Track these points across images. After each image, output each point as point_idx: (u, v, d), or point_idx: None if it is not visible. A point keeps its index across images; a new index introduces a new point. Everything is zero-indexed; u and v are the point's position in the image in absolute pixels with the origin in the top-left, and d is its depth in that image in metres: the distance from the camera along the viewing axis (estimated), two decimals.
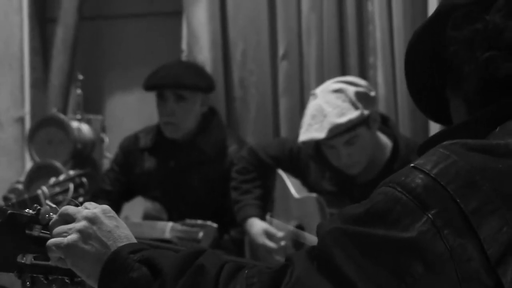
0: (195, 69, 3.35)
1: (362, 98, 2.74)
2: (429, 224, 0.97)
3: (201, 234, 3.02)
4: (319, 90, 2.81)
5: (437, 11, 1.17)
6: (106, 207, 1.25)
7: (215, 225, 3.03)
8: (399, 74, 3.19)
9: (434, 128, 3.05)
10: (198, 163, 3.21)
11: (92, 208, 1.24)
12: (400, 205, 0.99)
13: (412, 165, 1.02)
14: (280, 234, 2.93)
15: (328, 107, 2.72)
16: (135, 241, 1.22)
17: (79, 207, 1.26)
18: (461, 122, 1.12)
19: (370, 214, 1.00)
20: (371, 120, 2.78)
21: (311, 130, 2.75)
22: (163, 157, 3.26)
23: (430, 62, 1.18)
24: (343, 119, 2.69)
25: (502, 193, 0.99)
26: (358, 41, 3.30)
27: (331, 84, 2.81)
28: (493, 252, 0.96)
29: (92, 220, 1.22)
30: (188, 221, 3.06)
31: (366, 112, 2.73)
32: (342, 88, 2.75)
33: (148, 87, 3.23)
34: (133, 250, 1.18)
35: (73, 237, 1.22)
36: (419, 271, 0.96)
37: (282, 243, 2.92)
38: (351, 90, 2.74)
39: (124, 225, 1.24)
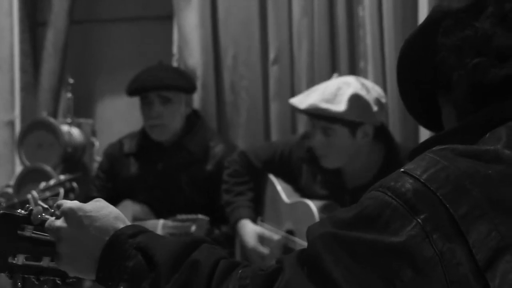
0: (176, 70, 3.39)
1: (358, 105, 2.71)
2: (418, 228, 0.97)
3: (193, 228, 3.02)
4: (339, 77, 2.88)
5: (428, 18, 1.18)
6: (70, 209, 1.24)
7: (206, 218, 3.04)
8: (390, 79, 3.20)
9: (424, 133, 3.06)
10: (185, 164, 3.22)
11: (60, 215, 1.26)
12: (390, 210, 0.99)
13: (402, 170, 1.03)
14: (276, 237, 2.92)
15: (325, 89, 2.75)
16: (108, 233, 1.21)
17: (50, 223, 1.27)
18: (451, 128, 1.12)
19: (360, 218, 1.00)
20: (360, 131, 2.75)
21: (299, 96, 2.84)
22: (149, 161, 3.27)
23: (421, 69, 1.19)
24: (322, 105, 2.71)
25: (491, 198, 0.99)
26: (349, 46, 3.31)
27: (351, 76, 2.88)
28: (482, 257, 0.96)
29: (59, 238, 1.24)
30: (179, 216, 3.07)
31: (354, 118, 2.71)
32: (350, 83, 2.75)
33: (132, 91, 3.24)
34: (132, 233, 1.19)
35: (58, 259, 1.26)
36: (408, 275, 0.96)
37: (274, 248, 2.92)
38: (351, 91, 2.72)
39: (95, 215, 1.23)
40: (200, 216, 3.04)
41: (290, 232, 2.92)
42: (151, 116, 3.20)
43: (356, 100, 2.71)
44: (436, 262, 0.96)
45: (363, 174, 2.81)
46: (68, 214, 1.24)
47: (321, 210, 2.78)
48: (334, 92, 2.72)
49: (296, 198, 2.92)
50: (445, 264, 0.96)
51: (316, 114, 2.74)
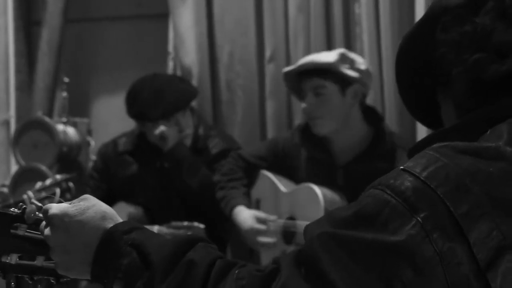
0: (176, 76, 3.39)
1: (346, 59, 2.81)
2: (418, 227, 0.96)
3: None
4: None
5: (427, 14, 1.17)
6: (55, 217, 1.22)
7: (202, 225, 3.01)
8: (386, 76, 3.19)
9: (421, 130, 3.05)
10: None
11: (47, 223, 1.23)
12: (389, 208, 0.97)
13: (401, 167, 1.01)
14: (272, 217, 2.90)
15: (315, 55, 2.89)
16: (96, 237, 1.18)
17: (42, 229, 1.25)
18: (451, 125, 1.11)
19: (358, 217, 0.99)
20: (350, 90, 2.80)
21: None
22: (147, 159, 3.23)
23: (420, 65, 1.17)
24: (314, 59, 2.82)
25: (492, 196, 0.98)
26: (345, 44, 3.30)
27: None
28: (483, 256, 0.95)
29: (50, 247, 1.23)
30: (174, 223, 3.04)
31: (345, 71, 2.78)
32: (334, 49, 2.96)
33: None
34: (127, 230, 1.17)
35: (55, 266, 1.24)
36: (408, 275, 0.94)
37: (273, 228, 2.89)
38: (339, 50, 2.89)
39: (80, 219, 1.20)
40: (195, 223, 3.01)
41: (291, 219, 2.90)
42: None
43: (344, 54, 2.83)
44: (436, 262, 0.94)
45: (351, 150, 2.82)
46: (54, 223, 1.22)
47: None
48: (322, 54, 2.89)
49: (295, 186, 2.91)
50: (446, 264, 0.94)
51: (308, 70, 2.81)
